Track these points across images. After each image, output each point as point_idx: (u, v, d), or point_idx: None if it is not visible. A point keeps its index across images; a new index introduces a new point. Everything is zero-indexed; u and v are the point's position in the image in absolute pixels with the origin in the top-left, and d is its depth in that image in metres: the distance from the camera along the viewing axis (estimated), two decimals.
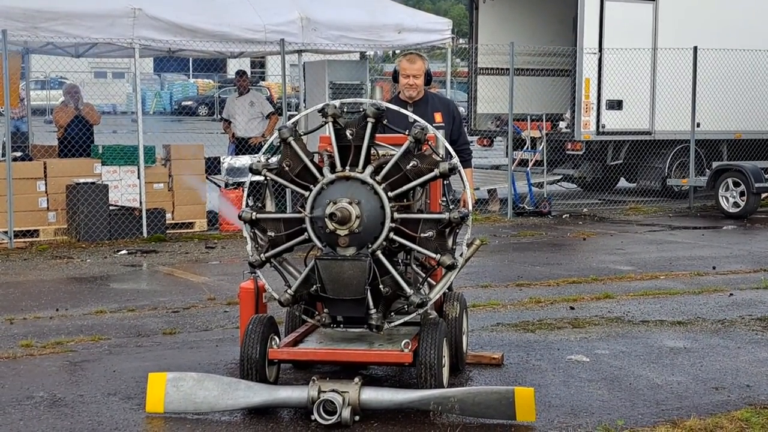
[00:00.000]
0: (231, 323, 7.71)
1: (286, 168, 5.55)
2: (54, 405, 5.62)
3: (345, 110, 5.63)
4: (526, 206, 15.22)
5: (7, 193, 11.53)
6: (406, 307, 5.59)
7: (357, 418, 5.21)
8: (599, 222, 14.60)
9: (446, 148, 5.84)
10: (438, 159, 5.52)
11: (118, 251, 11.38)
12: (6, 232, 11.61)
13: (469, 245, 5.78)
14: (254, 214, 5.60)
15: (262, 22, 13.08)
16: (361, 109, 5.51)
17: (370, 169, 5.45)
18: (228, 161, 13.60)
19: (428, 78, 6.74)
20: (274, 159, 5.71)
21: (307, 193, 5.50)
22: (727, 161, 16.71)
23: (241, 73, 15.21)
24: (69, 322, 7.84)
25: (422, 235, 5.44)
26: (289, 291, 5.58)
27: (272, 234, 5.60)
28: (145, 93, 36.78)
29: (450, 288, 5.98)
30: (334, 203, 5.33)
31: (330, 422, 5.12)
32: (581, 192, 17.98)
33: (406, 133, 5.49)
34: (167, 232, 12.45)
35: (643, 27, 16.15)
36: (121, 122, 27.70)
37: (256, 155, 12.99)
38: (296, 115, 11.23)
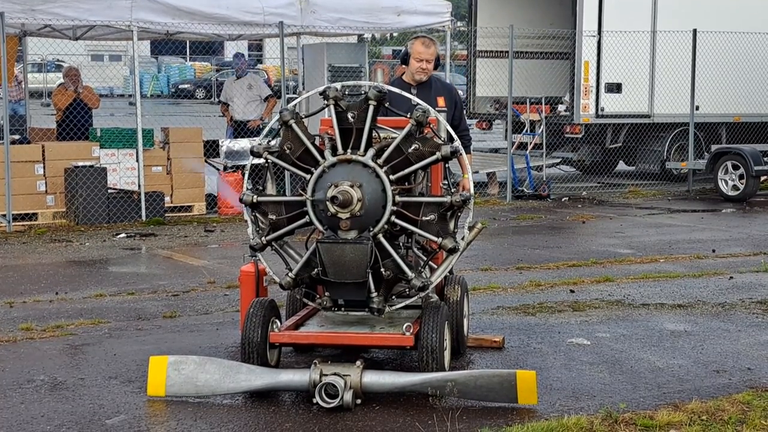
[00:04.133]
0: (231, 307, 7.70)
1: (288, 151, 5.53)
2: (55, 388, 5.61)
3: (346, 93, 5.61)
4: (525, 189, 15.21)
5: (5, 176, 11.50)
6: (407, 290, 5.59)
7: (359, 401, 5.21)
8: (598, 205, 14.60)
9: (448, 131, 5.82)
10: (440, 142, 5.51)
11: (117, 234, 11.36)
12: (4, 216, 11.59)
13: (470, 229, 5.77)
14: (255, 197, 5.58)
15: (261, 4, 13.03)
16: (363, 92, 5.49)
17: (371, 152, 5.43)
18: (226, 144, 13.57)
19: (437, 63, 6.72)
20: (274, 142, 5.69)
21: (308, 176, 5.48)
22: (726, 144, 16.71)
23: (239, 56, 15.17)
24: (69, 306, 7.83)
25: (424, 218, 5.42)
26: (290, 274, 5.57)
27: (273, 217, 5.59)
28: (143, 76, 36.67)
29: (451, 271, 5.96)
30: (336, 186, 5.32)
31: (332, 405, 5.11)
32: (580, 175, 17.97)
33: (408, 116, 5.47)
34: (166, 215, 12.43)
35: (643, 9, 16.10)
36: (119, 105, 27.64)
37: (254, 138, 12.98)
38: (295, 97, 11.20)
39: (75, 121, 13.19)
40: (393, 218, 5.41)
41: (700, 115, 16.47)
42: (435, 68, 6.75)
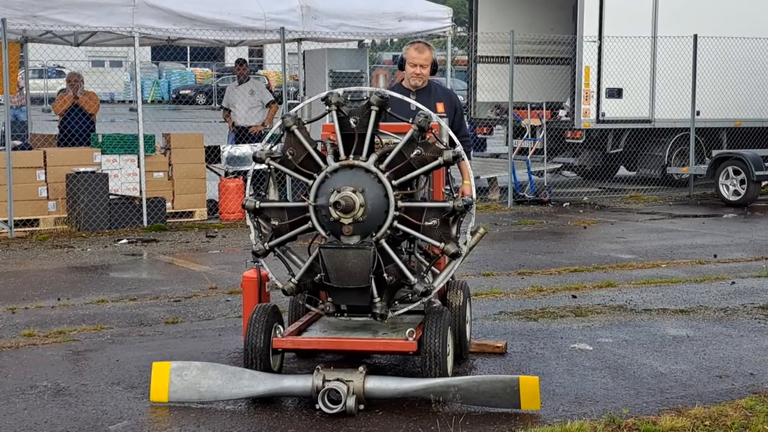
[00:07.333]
0: (233, 312, 7.70)
1: (290, 156, 5.54)
2: (58, 394, 5.62)
3: (348, 98, 5.61)
4: (526, 195, 15.21)
5: (7, 182, 11.50)
6: (410, 295, 5.59)
7: (362, 407, 5.21)
8: (599, 210, 14.59)
9: (449, 136, 5.82)
10: (442, 147, 5.51)
11: (119, 240, 11.36)
12: (6, 222, 11.59)
13: (473, 234, 5.78)
14: (258, 202, 5.58)
15: (262, 10, 13.05)
16: (365, 98, 5.50)
17: (374, 157, 5.43)
18: (228, 150, 13.58)
19: (434, 68, 6.72)
20: (276, 147, 5.70)
21: (310, 182, 5.48)
22: (727, 149, 16.70)
23: (240, 62, 15.17)
24: (71, 312, 7.83)
25: (426, 223, 5.42)
26: (292, 280, 5.57)
27: (276, 223, 5.59)
28: (143, 82, 36.68)
29: (452, 277, 5.96)
30: (338, 192, 5.32)
31: (335, 411, 5.12)
32: (581, 180, 17.97)
33: (410, 121, 5.47)
34: (167, 221, 12.43)
35: (643, 15, 16.11)
36: (120, 111, 27.67)
37: (256, 144, 12.98)
38: (297, 103, 11.21)
39: (76, 127, 13.18)
40: (395, 223, 5.42)
41: (701, 120, 16.48)
42: (433, 73, 6.75)
